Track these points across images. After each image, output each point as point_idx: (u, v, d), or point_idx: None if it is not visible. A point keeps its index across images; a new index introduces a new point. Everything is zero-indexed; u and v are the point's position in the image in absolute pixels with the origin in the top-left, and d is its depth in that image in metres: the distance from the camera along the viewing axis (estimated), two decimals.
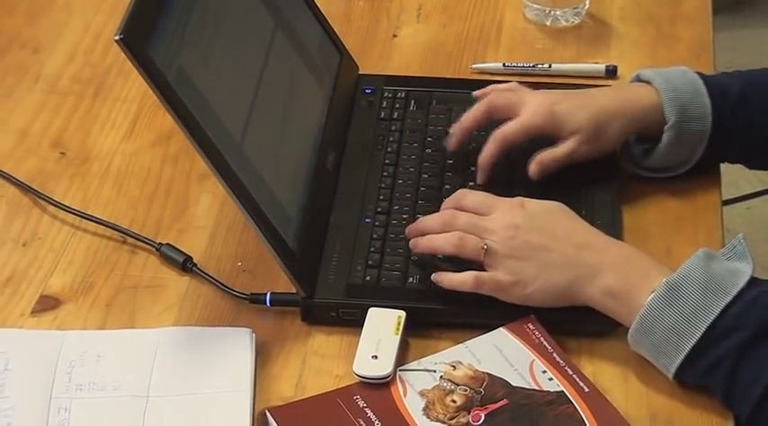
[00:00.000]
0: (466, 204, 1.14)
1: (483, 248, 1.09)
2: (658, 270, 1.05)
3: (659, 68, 1.23)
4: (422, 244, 1.13)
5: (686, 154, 1.21)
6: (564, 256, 1.08)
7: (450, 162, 1.24)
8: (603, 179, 1.22)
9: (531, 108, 1.20)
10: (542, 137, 1.20)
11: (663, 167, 1.22)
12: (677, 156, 1.21)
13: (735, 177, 2.34)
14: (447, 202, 1.15)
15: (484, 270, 1.10)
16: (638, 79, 1.23)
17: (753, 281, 1.03)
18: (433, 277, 1.11)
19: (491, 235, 1.09)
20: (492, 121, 1.22)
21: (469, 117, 1.23)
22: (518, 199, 1.12)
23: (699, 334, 1.01)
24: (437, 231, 1.12)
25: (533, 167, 1.19)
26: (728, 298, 1.01)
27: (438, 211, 1.15)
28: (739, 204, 2.39)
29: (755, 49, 2.56)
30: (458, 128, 1.23)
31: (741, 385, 1.01)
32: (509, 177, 1.22)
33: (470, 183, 1.21)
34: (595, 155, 1.21)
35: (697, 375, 1.03)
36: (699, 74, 1.21)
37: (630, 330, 1.05)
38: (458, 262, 1.11)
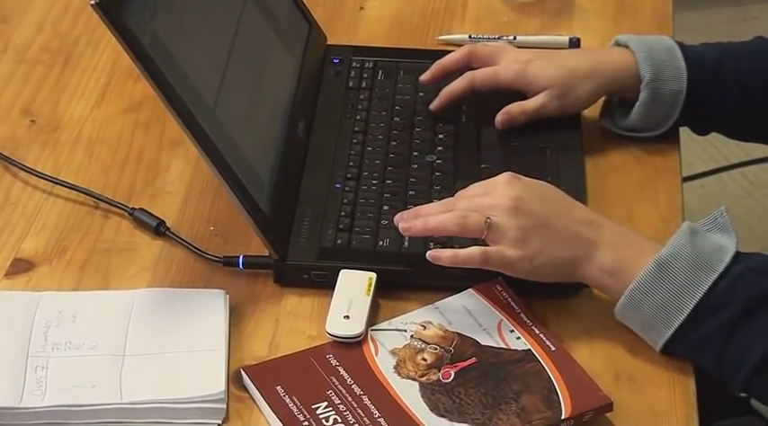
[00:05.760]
0: (462, 194, 1.11)
1: (487, 222, 1.06)
2: (651, 247, 1.06)
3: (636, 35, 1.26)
4: (417, 225, 1.09)
5: (663, 114, 1.23)
6: (566, 230, 1.07)
7: (419, 130, 1.26)
8: (568, 145, 1.25)
9: (506, 61, 1.25)
10: (513, 93, 1.25)
11: (641, 127, 1.25)
12: (654, 116, 1.24)
13: (688, 154, 2.35)
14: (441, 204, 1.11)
15: None
16: (616, 44, 1.27)
17: (737, 256, 1.04)
18: (430, 254, 1.08)
19: (493, 210, 1.07)
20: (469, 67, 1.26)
21: (450, 58, 1.27)
22: (510, 173, 1.10)
23: (687, 311, 1.03)
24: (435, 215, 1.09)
25: (500, 117, 1.23)
26: (715, 275, 1.03)
27: (407, 175, 1.17)
28: (693, 182, 2.42)
29: (709, 32, 2.59)
30: (438, 67, 1.27)
31: (732, 358, 1.02)
32: (477, 144, 1.25)
33: (438, 149, 1.23)
34: (565, 113, 1.24)
35: (685, 349, 1.05)
36: (675, 41, 1.25)
37: (618, 304, 1.06)
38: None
